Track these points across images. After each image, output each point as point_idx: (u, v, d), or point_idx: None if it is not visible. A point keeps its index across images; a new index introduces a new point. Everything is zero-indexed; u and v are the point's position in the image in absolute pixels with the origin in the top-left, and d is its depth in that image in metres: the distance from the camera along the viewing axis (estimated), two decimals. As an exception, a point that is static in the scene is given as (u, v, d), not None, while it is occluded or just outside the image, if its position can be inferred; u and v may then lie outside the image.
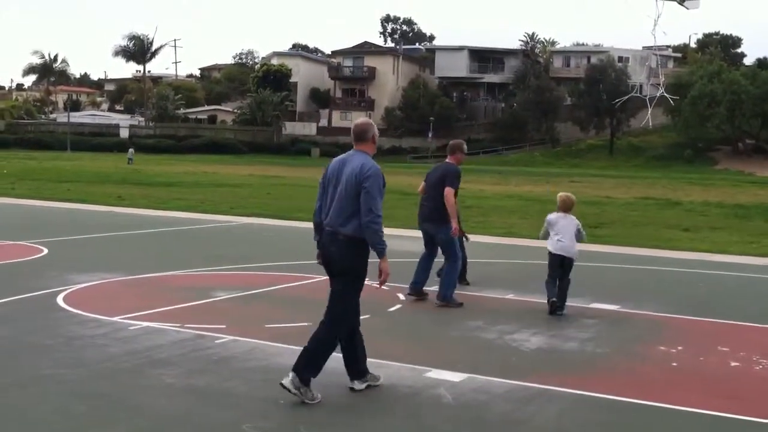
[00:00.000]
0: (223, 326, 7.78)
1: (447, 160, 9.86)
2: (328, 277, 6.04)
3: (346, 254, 5.74)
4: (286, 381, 5.56)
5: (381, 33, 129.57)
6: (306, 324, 8.01)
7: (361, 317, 8.40)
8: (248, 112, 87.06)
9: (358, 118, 6.26)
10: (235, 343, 7.18)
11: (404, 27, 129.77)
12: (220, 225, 18.19)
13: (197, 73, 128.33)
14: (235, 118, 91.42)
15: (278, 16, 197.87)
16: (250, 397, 5.75)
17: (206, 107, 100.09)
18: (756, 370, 6.94)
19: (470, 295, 10.08)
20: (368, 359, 6.12)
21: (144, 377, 6.13)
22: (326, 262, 5.94)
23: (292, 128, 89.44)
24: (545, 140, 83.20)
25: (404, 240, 14.69)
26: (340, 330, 5.86)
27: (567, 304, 9.13)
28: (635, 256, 14.64)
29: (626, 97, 44.29)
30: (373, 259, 5.84)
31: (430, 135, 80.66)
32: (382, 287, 6.13)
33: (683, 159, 73.44)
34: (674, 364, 7.06)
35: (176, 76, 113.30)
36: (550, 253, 9.26)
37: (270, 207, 22.90)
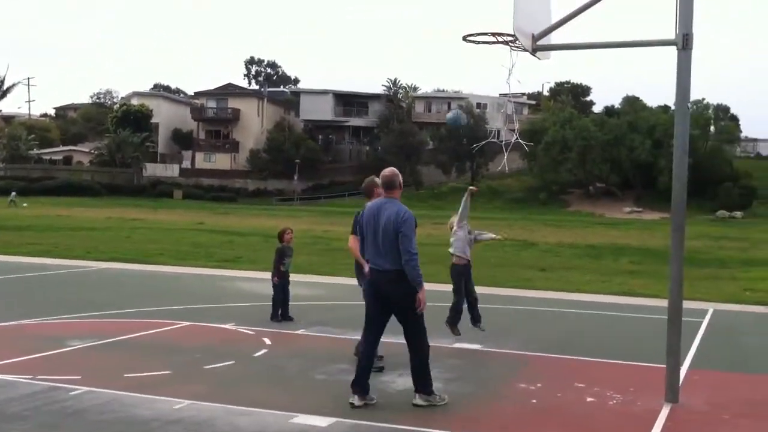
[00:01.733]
0: (78, 377, 7.41)
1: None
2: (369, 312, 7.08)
3: (399, 286, 6.80)
4: (418, 401, 6.85)
5: (245, 75, 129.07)
6: (166, 372, 7.77)
7: (225, 363, 8.26)
8: (107, 152, 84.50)
9: (385, 169, 7.14)
10: (91, 395, 6.85)
11: (268, 69, 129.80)
12: (75, 271, 17.44)
13: (52, 112, 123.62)
14: (93, 159, 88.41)
15: (139, 55, 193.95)
16: (106, 451, 5.49)
17: (61, 147, 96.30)
18: (610, 404, 7.24)
19: (336, 338, 10.06)
20: (231, 406, 5.99)
21: (-10, 434, 5.75)
22: (381, 296, 6.93)
23: (154, 170, 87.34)
24: (409, 183, 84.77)
25: (266, 283, 14.52)
26: (426, 342, 7.03)
27: (432, 345, 9.23)
28: (495, 296, 15.05)
29: (483, 143, 45.87)
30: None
31: (295, 177, 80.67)
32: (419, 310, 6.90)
33: (539, 201, 76.57)
34: (534, 401, 7.27)
35: (29, 115, 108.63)
36: None
37: (129, 251, 22.17)
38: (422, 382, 6.94)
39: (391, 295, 6.85)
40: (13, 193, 56.88)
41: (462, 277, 9.67)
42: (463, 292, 9.73)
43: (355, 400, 6.78)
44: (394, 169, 7.11)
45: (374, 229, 6.84)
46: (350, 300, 13.31)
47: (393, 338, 10.07)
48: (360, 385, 6.85)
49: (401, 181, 7.02)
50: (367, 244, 6.97)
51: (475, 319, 9.91)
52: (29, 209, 48.43)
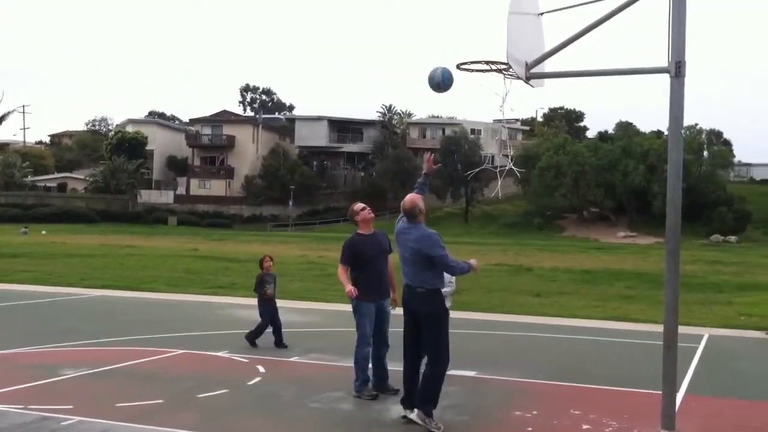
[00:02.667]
0: (71, 406, 7.35)
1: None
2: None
3: (427, 304, 7.18)
4: (413, 416, 7.01)
5: (240, 102, 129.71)
6: (159, 401, 7.72)
7: (219, 392, 8.20)
8: (101, 179, 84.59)
9: (407, 197, 7.54)
10: (83, 425, 6.79)
11: (263, 96, 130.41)
12: (69, 298, 17.36)
13: (47, 139, 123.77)
14: (88, 186, 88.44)
15: (133, 82, 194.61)
16: (98, 482, 5.43)
17: (56, 174, 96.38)
18: None
19: (331, 365, 10.01)
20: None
21: (-20, 466, 5.68)
22: (411, 311, 7.32)
23: (148, 196, 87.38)
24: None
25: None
26: (447, 362, 7.20)
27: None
28: (490, 321, 15.01)
29: (478, 169, 46.11)
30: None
31: (290, 203, 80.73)
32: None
33: (534, 226, 76.67)
34: (529, 428, 7.22)
35: (24, 142, 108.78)
36: None
37: (123, 278, 22.10)
38: (427, 397, 7.04)
39: (418, 309, 7.24)
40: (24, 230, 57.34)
41: None
42: None
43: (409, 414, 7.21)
44: (414, 197, 7.50)
45: (404, 250, 7.33)
46: (345, 327, 13.25)
47: (388, 365, 10.02)
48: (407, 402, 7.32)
49: (422, 207, 7.40)
50: (404, 263, 7.39)
51: None
52: (26, 236, 48.32)
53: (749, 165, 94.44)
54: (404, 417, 7.22)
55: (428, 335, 7.21)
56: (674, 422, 7.24)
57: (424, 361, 7.32)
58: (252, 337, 11.20)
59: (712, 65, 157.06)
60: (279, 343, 11.19)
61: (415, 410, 7.02)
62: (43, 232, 53.97)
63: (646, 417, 7.61)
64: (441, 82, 7.60)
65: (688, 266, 30.27)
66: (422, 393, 7.07)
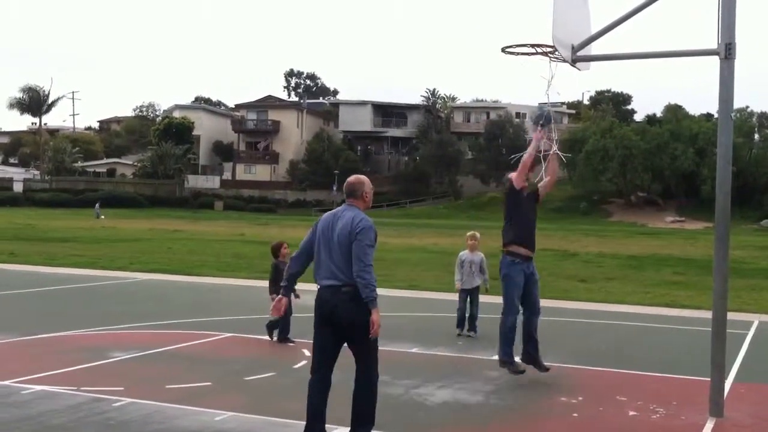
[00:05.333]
0: (121, 388, 7.51)
1: None
2: (327, 330, 5.90)
3: (353, 306, 5.75)
4: None
5: (285, 87, 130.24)
6: (208, 383, 7.85)
7: (266, 375, 8.31)
8: (149, 165, 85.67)
9: (351, 176, 6.20)
10: (134, 406, 6.93)
11: (308, 81, 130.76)
12: (118, 282, 17.69)
13: (96, 125, 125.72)
14: (136, 171, 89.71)
15: (180, 68, 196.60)
16: (149, 462, 5.55)
17: (105, 160, 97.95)
18: (653, 419, 7.13)
19: (379, 349, 10.04)
20: (272, 418, 6.00)
21: (36, 445, 5.84)
22: (329, 315, 5.85)
23: (195, 181, 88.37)
24: (448, 193, 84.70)
25: (308, 294, 14.56)
26: (376, 374, 6.00)
27: (472, 357, 9.25)
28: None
29: (522, 154, 45.71)
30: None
31: (334, 188, 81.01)
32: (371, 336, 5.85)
33: (579, 211, 75.88)
34: (575, 414, 7.20)
35: (74, 128, 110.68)
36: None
37: (171, 262, 22.43)
38: (361, 420, 5.95)
39: (343, 317, 5.80)
40: (97, 205, 59.33)
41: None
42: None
43: None
44: (362, 176, 6.22)
45: (328, 240, 5.89)
46: (384, 311, 13.32)
47: (433, 350, 10.07)
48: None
49: (368, 191, 6.07)
50: (319, 260, 5.94)
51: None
52: (76, 221, 49.28)
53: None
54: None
55: (360, 343, 5.94)
56: (722, 409, 7.16)
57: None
58: (272, 328, 10.52)
59: (763, 45, 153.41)
60: (283, 333, 10.37)
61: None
62: (102, 216, 55.13)
63: (694, 404, 7.53)
64: (542, 117, 8.44)
65: (737, 252, 29.73)
66: (358, 417, 5.98)
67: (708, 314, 7.81)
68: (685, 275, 22.31)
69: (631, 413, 7.28)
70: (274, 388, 7.85)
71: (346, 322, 5.79)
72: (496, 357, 9.69)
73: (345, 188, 6.09)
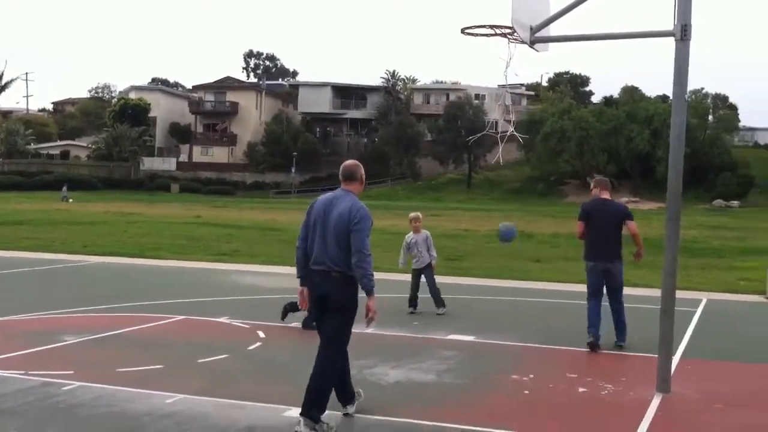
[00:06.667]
0: (71, 372, 7.42)
1: (603, 197, 9.76)
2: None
3: (342, 291, 5.93)
4: (301, 429, 5.73)
5: (244, 68, 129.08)
6: (159, 366, 7.79)
7: (219, 357, 8.27)
8: (104, 147, 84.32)
9: (347, 160, 6.42)
10: (84, 390, 6.86)
11: (267, 62, 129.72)
12: (71, 265, 17.44)
13: (50, 107, 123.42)
14: (90, 153, 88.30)
15: (137, 49, 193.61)
16: (98, 445, 5.50)
17: (59, 142, 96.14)
18: (602, 395, 7.25)
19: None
20: (224, 400, 5.99)
21: (-18, 430, 5.76)
22: (318, 299, 6.02)
23: (151, 163, 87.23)
24: (407, 175, 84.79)
25: (264, 276, 14.54)
26: (340, 362, 6.10)
27: (427, 336, 9.31)
28: (493, 287, 15.07)
29: (480, 135, 45.93)
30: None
31: (293, 170, 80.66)
32: (369, 326, 6.22)
33: (536, 192, 76.50)
34: (526, 392, 7.29)
35: (27, 110, 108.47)
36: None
37: (126, 245, 22.17)
38: (313, 403, 5.86)
39: (334, 299, 5.95)
40: (64, 188, 58.89)
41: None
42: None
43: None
44: (357, 162, 6.38)
45: (323, 225, 6.00)
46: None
47: (389, 330, 10.10)
48: (344, 396, 6.35)
49: (363, 175, 6.26)
50: (312, 243, 6.06)
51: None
52: (29, 203, 48.42)
53: (754, 129, 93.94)
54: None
55: (334, 325, 6.07)
56: (669, 385, 7.30)
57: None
58: (287, 311, 10.33)
59: (719, 28, 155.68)
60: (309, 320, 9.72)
61: (301, 421, 5.83)
62: (70, 200, 54.31)
63: (642, 380, 7.67)
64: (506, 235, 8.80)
65: (689, 231, 30.25)
66: (310, 399, 5.90)
67: (659, 292, 7.94)
68: (639, 255, 22.61)
69: (581, 390, 7.39)
70: (227, 370, 7.82)
71: (336, 304, 5.97)
72: (450, 336, 9.79)
73: (342, 172, 6.22)
